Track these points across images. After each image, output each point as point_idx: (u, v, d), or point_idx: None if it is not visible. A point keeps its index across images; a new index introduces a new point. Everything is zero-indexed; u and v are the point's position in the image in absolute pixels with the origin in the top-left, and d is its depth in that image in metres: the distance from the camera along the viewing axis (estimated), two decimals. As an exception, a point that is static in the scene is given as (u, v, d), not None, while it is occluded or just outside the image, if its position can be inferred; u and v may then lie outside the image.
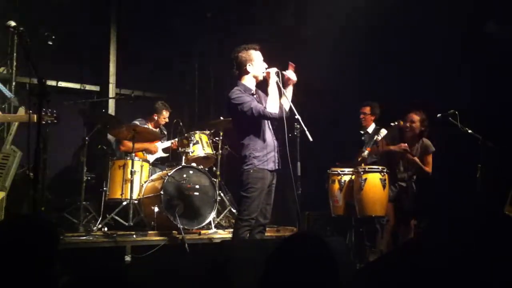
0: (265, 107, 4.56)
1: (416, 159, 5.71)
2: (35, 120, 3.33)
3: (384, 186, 5.32)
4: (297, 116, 4.71)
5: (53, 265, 1.83)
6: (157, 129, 7.07)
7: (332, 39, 6.86)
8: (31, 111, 3.55)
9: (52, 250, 1.85)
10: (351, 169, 5.63)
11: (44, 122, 3.45)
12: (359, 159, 5.78)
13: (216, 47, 8.29)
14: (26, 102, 4.32)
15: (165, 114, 7.12)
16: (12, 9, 6.75)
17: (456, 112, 5.47)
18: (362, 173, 5.37)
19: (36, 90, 3.02)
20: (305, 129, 4.71)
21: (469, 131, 5.47)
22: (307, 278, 1.94)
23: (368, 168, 5.44)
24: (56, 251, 1.87)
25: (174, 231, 5.80)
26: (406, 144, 5.76)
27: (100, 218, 6.15)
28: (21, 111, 5.28)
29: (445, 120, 5.56)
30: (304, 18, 7.20)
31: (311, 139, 4.69)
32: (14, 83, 7.10)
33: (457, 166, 5.83)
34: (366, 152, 5.73)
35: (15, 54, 7.05)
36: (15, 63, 7.07)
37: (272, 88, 4.65)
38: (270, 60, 4.75)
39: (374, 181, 5.32)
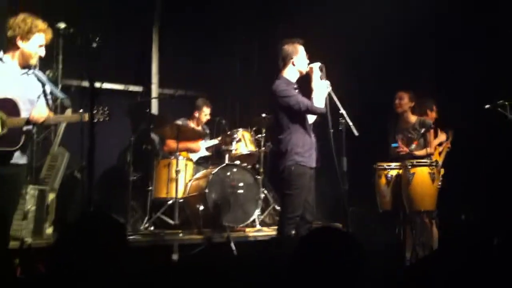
0: (312, 102, 4.50)
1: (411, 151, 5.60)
2: (87, 119, 3.37)
3: (433, 180, 5.17)
4: (342, 111, 4.65)
5: (121, 261, 1.87)
6: (200, 127, 7.08)
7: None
8: (82, 110, 3.58)
9: (122, 246, 1.90)
10: (398, 164, 5.51)
11: (96, 120, 3.46)
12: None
13: (258, 45, 8.27)
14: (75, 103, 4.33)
15: (206, 110, 7.08)
16: (55, 13, 6.83)
17: (506, 103, 5.27)
18: (410, 167, 5.24)
19: (88, 90, 3.05)
20: (351, 124, 4.66)
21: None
22: (332, 269, 2.03)
23: (416, 162, 5.31)
24: (125, 247, 1.92)
25: (219, 229, 5.80)
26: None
27: (147, 218, 6.22)
28: (69, 112, 5.34)
29: (494, 111, 5.35)
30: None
31: (356, 133, 4.64)
32: (60, 86, 7.23)
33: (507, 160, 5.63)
34: (413, 146, 5.60)
35: (60, 56, 7.17)
36: (61, 66, 7.19)
37: (317, 82, 4.60)
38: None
39: (423, 175, 5.18)
